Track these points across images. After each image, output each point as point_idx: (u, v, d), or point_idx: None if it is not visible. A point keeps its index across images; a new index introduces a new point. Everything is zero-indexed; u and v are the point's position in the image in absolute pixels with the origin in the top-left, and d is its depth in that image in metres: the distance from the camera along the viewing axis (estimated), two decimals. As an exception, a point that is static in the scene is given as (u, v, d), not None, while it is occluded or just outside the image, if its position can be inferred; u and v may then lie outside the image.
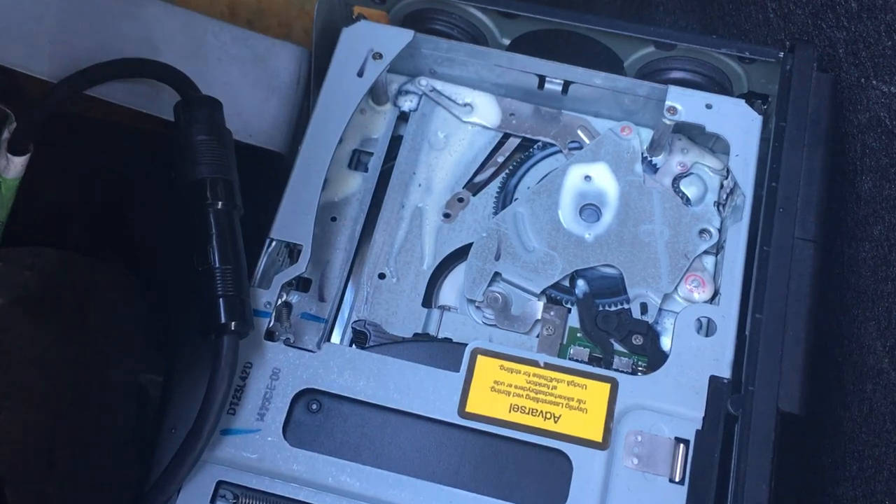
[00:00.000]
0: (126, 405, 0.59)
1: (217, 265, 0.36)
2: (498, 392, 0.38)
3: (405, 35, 0.46)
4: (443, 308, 0.44)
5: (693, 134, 0.47)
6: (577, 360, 0.42)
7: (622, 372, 0.41)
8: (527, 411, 0.38)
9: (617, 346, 0.43)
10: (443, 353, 0.40)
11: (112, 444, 0.57)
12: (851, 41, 0.44)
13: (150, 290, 0.52)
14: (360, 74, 0.45)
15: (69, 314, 0.58)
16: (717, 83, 0.47)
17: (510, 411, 0.38)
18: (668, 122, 0.45)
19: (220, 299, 0.35)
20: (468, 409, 0.38)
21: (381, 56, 0.46)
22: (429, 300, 0.44)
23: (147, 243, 0.50)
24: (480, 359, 0.39)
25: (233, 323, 0.36)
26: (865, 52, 0.43)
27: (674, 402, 0.38)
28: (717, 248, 0.44)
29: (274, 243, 0.41)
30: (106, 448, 0.57)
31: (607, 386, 0.39)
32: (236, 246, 0.37)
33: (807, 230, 0.39)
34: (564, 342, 0.43)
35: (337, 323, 0.43)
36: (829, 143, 0.41)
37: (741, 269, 0.41)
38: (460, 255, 0.45)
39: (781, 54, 0.44)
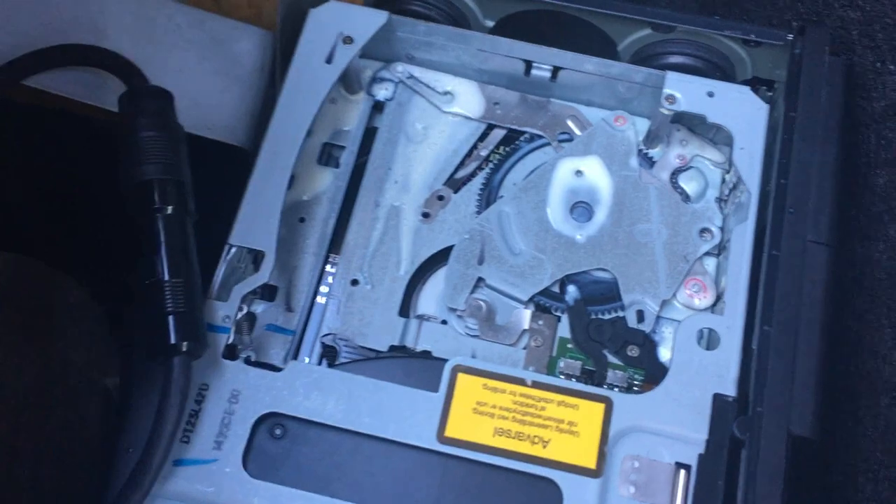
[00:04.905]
0: (91, 409, 0.56)
1: (166, 278, 0.32)
2: (481, 414, 0.35)
3: (378, 17, 0.42)
4: (421, 318, 0.40)
5: (693, 124, 0.43)
6: (567, 375, 0.38)
7: (617, 388, 0.38)
8: (513, 435, 0.35)
9: (611, 358, 0.39)
10: (421, 370, 0.36)
11: (76, 450, 0.54)
12: (866, 22, 0.40)
13: (106, 296, 0.48)
14: (329, 61, 0.41)
15: (30, 316, 0.55)
16: (719, 68, 0.43)
17: (494, 435, 0.34)
18: (666, 112, 0.41)
19: (170, 317, 0.32)
20: (448, 433, 0.34)
21: (351, 40, 0.42)
22: (406, 309, 0.40)
23: (101, 245, 0.47)
24: (461, 377, 0.35)
25: (184, 343, 0.32)
26: (882, 34, 0.39)
27: (674, 423, 0.35)
28: (719, 249, 0.41)
29: (234, 250, 0.37)
30: (70, 454, 0.54)
31: (601, 406, 0.35)
32: (188, 256, 0.33)
33: (820, 232, 0.36)
34: (554, 354, 0.39)
35: (307, 334, 0.39)
36: (842, 135, 0.38)
37: (747, 276, 0.37)
38: (440, 258, 0.41)
39: (790, 37, 0.40)
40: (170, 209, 0.33)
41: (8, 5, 0.38)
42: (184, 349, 0.32)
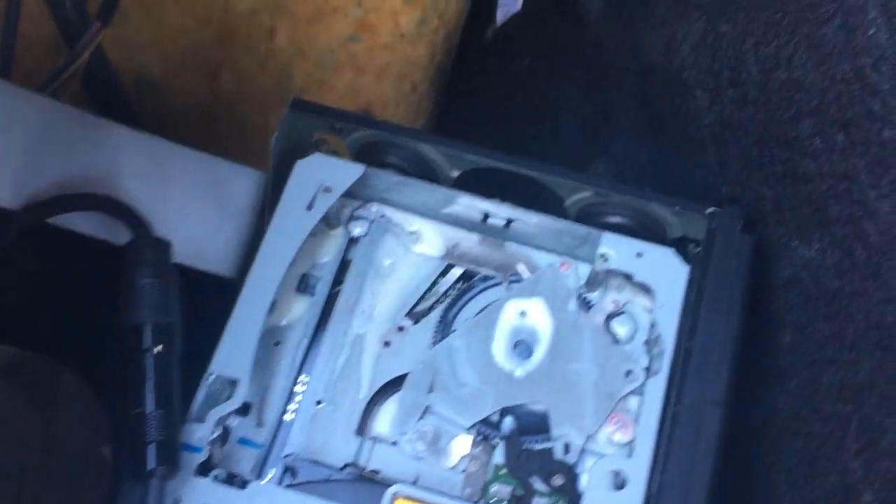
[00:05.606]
0: (89, 474, 0.61)
1: (150, 410, 0.38)
2: (414, 537, 0.40)
3: (355, 170, 0.49)
4: (375, 439, 0.46)
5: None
6: (497, 500, 0.44)
7: (539, 515, 0.43)
8: (440, 558, 0.40)
9: (539, 485, 0.44)
10: (366, 492, 0.42)
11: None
12: (777, 200, 0.46)
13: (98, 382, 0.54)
14: (310, 208, 0.47)
15: (33, 394, 0.60)
16: (651, 228, 0.49)
17: (424, 557, 0.40)
18: (599, 268, 0.47)
19: (151, 445, 0.38)
20: (385, 553, 0.40)
21: (330, 190, 0.48)
22: (363, 428, 0.46)
23: (95, 341, 0.52)
24: (400, 502, 0.41)
25: (161, 469, 0.38)
26: (789, 214, 0.45)
27: (582, 554, 0.40)
28: (643, 389, 0.46)
29: (213, 376, 0.43)
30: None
31: (518, 535, 0.40)
32: (171, 389, 0.40)
33: (717, 393, 0.41)
34: (489, 478, 0.45)
35: (275, 448, 0.45)
36: (745, 306, 0.43)
37: (656, 424, 0.43)
38: (397, 384, 0.47)
39: (709, 210, 0.46)
40: (158, 349, 0.39)
41: (38, 153, 0.45)
42: (160, 474, 0.38)
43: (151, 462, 0.38)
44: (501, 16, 0.78)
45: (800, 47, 0.42)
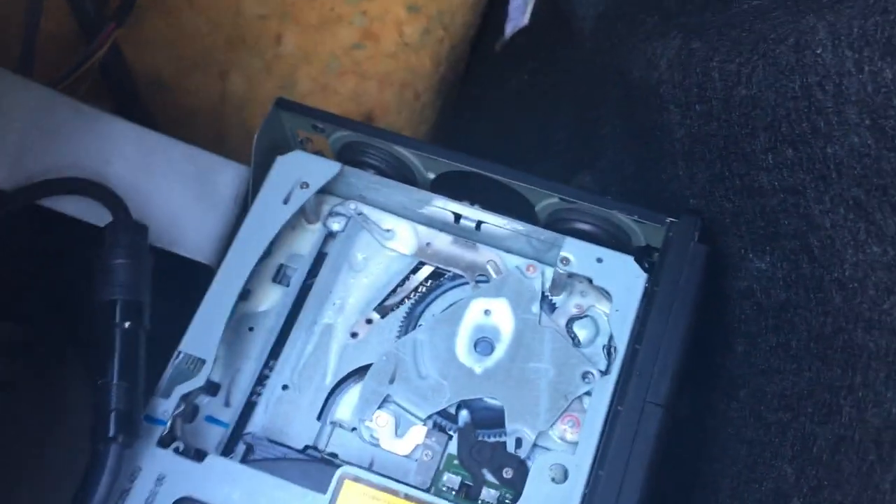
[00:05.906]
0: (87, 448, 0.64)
1: (115, 381, 0.41)
2: (359, 517, 0.42)
3: (333, 167, 0.51)
4: (334, 424, 0.48)
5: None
6: (447, 489, 0.45)
7: (486, 504, 0.45)
8: (382, 539, 0.42)
9: (489, 477, 0.46)
10: (317, 472, 0.44)
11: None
12: (735, 213, 0.47)
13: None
14: (286, 202, 0.50)
15: (42, 355, 0.63)
16: (615, 235, 0.50)
17: (368, 536, 0.42)
18: (561, 271, 0.48)
19: (112, 413, 0.40)
20: (330, 530, 0.42)
21: (307, 185, 0.50)
22: (325, 414, 0.48)
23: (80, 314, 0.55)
24: (348, 484, 0.43)
25: (121, 436, 0.40)
26: (745, 227, 0.46)
27: (517, 543, 0.41)
28: (594, 389, 0.47)
29: (182, 355, 0.46)
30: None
31: (458, 522, 0.42)
32: (137, 363, 0.42)
33: (658, 395, 0.42)
34: (441, 468, 0.46)
35: (241, 428, 0.47)
36: (694, 312, 0.45)
37: (601, 422, 0.44)
38: (361, 373, 0.49)
39: (669, 220, 0.47)
40: (127, 324, 0.42)
41: (33, 138, 0.48)
42: (119, 440, 0.40)
43: (112, 429, 0.40)
44: (510, 29, 0.80)
45: (758, 65, 0.44)
